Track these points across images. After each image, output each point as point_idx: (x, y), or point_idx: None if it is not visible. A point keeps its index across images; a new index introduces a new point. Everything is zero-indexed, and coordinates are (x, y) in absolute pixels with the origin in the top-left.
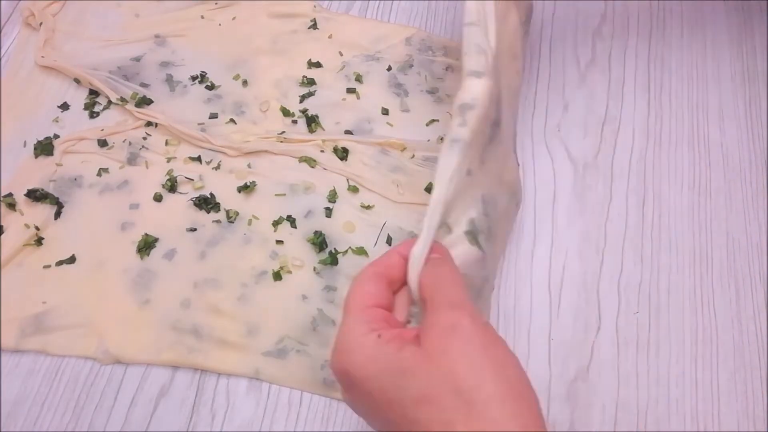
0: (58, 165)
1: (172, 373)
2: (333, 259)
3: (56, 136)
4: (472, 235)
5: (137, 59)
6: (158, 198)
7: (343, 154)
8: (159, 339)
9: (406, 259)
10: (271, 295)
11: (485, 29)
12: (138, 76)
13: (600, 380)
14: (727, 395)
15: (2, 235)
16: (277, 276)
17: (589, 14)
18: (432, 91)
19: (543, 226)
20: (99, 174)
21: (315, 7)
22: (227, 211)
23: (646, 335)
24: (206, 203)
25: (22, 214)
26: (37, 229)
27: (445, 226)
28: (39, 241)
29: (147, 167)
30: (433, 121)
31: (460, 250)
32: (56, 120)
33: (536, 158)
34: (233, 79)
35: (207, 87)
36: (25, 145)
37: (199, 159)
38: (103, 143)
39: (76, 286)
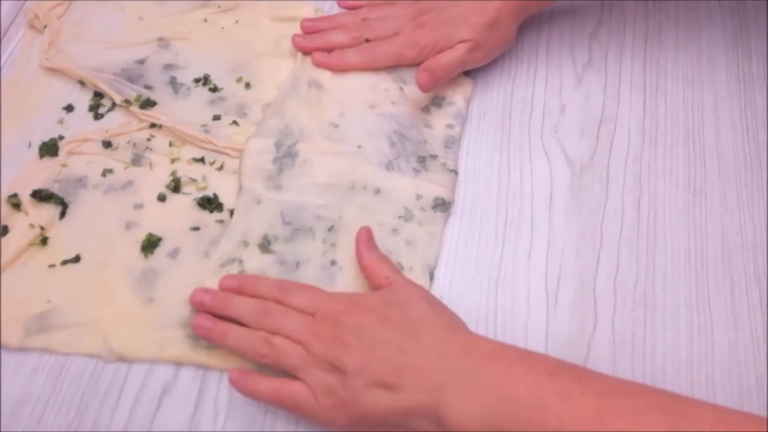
0: (63, 166)
1: (176, 370)
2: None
3: (61, 137)
4: (263, 246)
5: (141, 62)
6: (162, 198)
7: None
8: (162, 336)
9: None
10: None
11: None
12: (142, 79)
13: None
14: (722, 394)
15: (7, 235)
16: None
17: (586, 17)
18: None
19: (540, 226)
20: (103, 174)
21: (316, 10)
22: (230, 211)
23: (642, 333)
24: (209, 203)
25: (27, 214)
26: (42, 228)
27: (243, 243)
28: (44, 241)
29: (151, 168)
30: None
31: (254, 260)
32: (61, 121)
33: (533, 159)
34: (236, 81)
35: (210, 89)
36: (30, 146)
37: (202, 160)
38: (107, 144)
39: (81, 285)
